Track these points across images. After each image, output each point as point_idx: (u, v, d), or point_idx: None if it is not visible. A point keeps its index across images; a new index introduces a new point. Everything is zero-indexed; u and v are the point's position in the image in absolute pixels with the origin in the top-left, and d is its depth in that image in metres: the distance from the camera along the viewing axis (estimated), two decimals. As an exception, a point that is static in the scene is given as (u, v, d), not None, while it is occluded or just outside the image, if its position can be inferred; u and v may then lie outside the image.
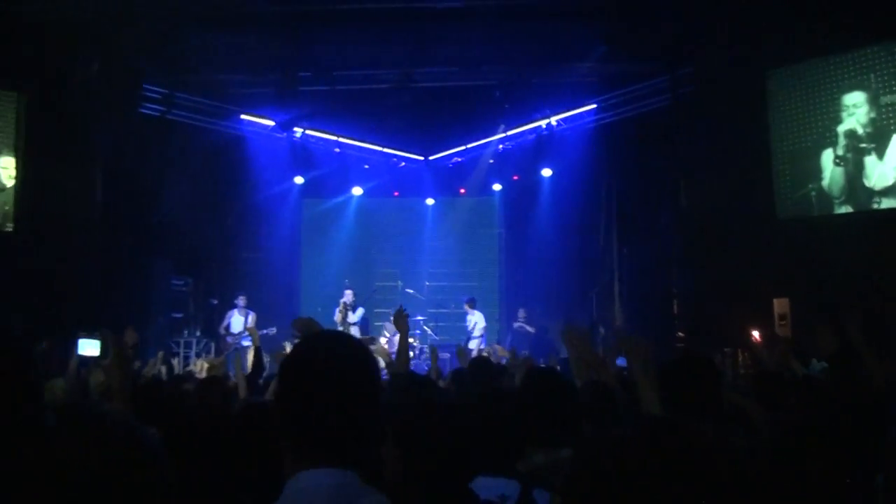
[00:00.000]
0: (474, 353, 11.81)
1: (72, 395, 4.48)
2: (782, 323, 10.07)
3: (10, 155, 11.00)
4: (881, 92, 9.94)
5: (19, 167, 10.99)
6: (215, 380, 4.50)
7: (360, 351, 1.72)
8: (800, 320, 9.84)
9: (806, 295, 9.89)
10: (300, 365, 1.67)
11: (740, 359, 9.73)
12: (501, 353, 9.83)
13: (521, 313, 13.97)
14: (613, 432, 2.00)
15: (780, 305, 10.21)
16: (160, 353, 8.31)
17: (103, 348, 5.94)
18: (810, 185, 10.65)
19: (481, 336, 13.67)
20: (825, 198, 10.53)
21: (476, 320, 13.77)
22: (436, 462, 2.14)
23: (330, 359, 1.65)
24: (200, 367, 8.70)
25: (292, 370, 1.67)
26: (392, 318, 4.19)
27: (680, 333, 11.51)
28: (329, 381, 1.60)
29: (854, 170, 10.21)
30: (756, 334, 9.64)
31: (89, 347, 6.27)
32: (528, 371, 3.84)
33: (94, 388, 4.95)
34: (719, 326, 10.30)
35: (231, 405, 3.89)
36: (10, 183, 11.00)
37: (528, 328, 13.81)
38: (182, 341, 12.93)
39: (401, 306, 4.33)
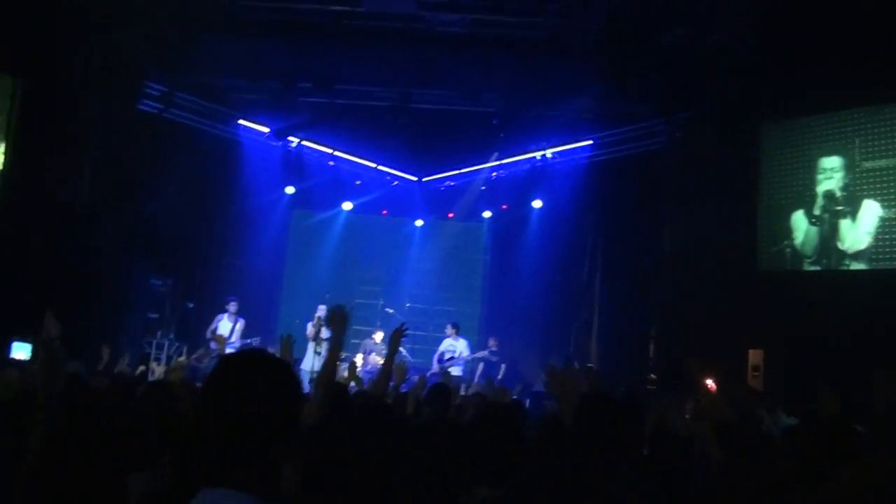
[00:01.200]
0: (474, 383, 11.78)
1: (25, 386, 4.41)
2: (755, 374, 10.08)
3: (1, 140, 10.95)
4: (863, 157, 10.01)
5: (8, 152, 10.93)
6: (161, 385, 4.43)
7: (277, 378, 1.69)
8: (772, 373, 9.88)
9: (780, 348, 9.95)
10: (211, 387, 1.66)
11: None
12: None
13: (492, 342, 13.70)
14: (531, 473, 1.99)
15: (754, 356, 10.22)
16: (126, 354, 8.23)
17: (34, 351, 5.82)
18: (785, 242, 10.75)
19: (461, 363, 13.51)
20: (797, 256, 10.63)
21: (461, 348, 13.61)
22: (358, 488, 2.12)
23: (240, 383, 1.63)
24: (160, 372, 8.61)
25: (204, 391, 1.66)
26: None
27: (652, 375, 11.51)
28: (235, 406, 1.58)
29: (829, 231, 10.28)
30: (710, 383, 9.60)
31: (20, 351, 6.15)
32: (483, 406, 3.81)
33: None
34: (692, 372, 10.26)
35: (175, 411, 3.82)
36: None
37: (492, 358, 13.59)
38: (154, 342, 12.81)
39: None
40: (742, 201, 11.16)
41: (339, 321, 3.74)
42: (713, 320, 10.67)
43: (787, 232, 10.72)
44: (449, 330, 13.84)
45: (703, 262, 11.16)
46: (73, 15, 10.29)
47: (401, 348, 14.05)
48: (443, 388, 5.31)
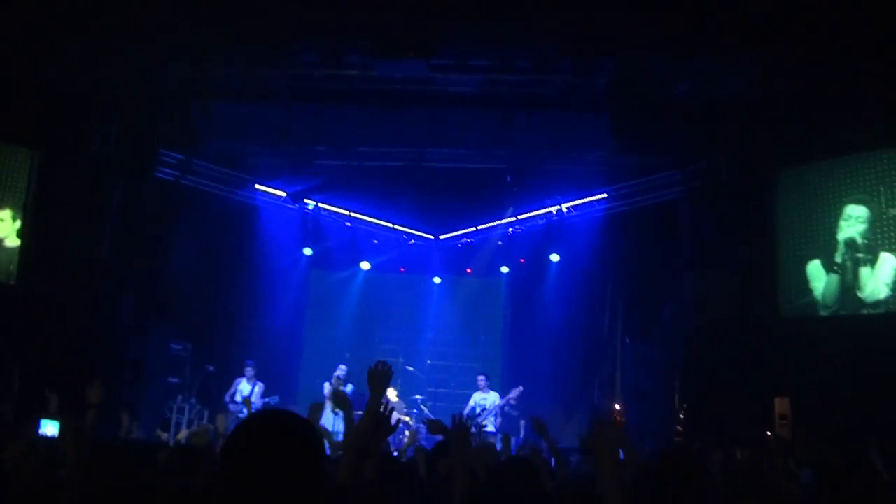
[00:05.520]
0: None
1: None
2: (783, 423, 9.89)
3: (18, 212, 11.10)
4: (889, 203, 9.89)
5: (26, 223, 11.08)
6: (185, 450, 4.39)
7: (299, 435, 1.69)
8: (800, 421, 9.70)
9: (807, 395, 9.79)
10: (235, 447, 1.66)
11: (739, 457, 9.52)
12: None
13: (514, 392, 12.82)
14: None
15: (780, 405, 10.03)
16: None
17: (62, 429, 5.94)
18: (810, 288, 10.61)
19: (493, 415, 12.99)
20: (815, 306, 10.51)
21: (492, 401, 12.92)
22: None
23: (263, 442, 1.64)
24: (182, 437, 8.58)
25: (227, 452, 1.67)
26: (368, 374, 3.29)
27: (679, 427, 11.32)
28: (259, 465, 1.58)
29: (851, 279, 10.16)
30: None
31: (50, 427, 6.41)
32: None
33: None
34: (720, 424, 10.15)
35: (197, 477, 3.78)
36: (15, 242, 11.06)
37: (512, 412, 12.95)
38: (175, 407, 12.76)
39: (383, 361, 3.41)
40: (761, 249, 11.09)
41: (380, 380, 3.29)
42: (737, 369, 10.55)
43: (807, 283, 10.61)
44: (481, 381, 13.18)
45: (723, 311, 11.06)
46: (88, 89, 10.50)
47: (423, 406, 13.92)
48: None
